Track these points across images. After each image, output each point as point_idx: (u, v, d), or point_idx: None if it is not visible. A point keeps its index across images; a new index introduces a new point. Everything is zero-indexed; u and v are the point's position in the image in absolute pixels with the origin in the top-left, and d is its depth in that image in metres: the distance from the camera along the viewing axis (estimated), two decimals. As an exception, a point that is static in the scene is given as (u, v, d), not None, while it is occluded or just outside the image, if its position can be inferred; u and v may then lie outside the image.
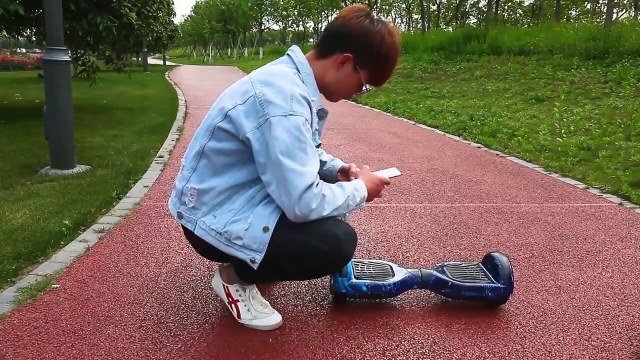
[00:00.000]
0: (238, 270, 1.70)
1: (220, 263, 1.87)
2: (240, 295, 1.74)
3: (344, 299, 1.88)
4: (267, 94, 1.45)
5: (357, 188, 1.61)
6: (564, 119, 6.00)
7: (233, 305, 1.75)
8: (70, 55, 5.07)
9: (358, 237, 2.59)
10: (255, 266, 1.53)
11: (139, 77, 15.31)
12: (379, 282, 1.82)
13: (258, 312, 1.73)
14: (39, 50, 27.90)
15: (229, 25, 38.00)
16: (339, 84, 1.62)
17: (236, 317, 1.74)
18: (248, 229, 1.51)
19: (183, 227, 1.65)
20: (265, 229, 1.50)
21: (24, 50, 32.43)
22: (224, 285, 1.76)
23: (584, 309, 1.92)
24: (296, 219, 1.47)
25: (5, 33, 7.76)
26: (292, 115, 1.43)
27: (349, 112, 8.01)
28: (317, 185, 1.47)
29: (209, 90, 11.51)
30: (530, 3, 30.69)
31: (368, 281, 1.82)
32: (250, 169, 1.52)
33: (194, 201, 1.58)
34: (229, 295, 1.76)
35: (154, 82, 14.07)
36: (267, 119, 1.43)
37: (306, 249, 1.51)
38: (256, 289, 1.78)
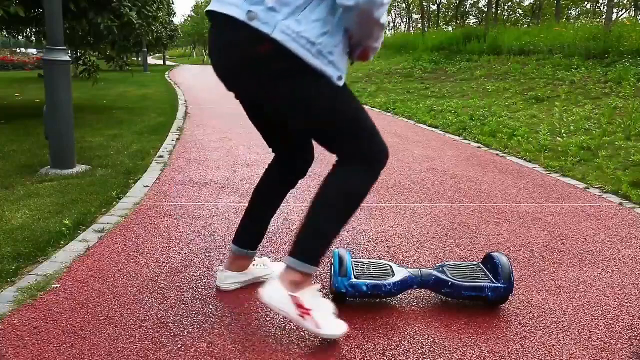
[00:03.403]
0: (307, 240, 1.55)
1: (241, 277, 1.94)
2: (315, 301, 1.56)
3: (344, 299, 1.88)
4: None
5: None
6: (564, 119, 6.00)
7: (307, 316, 1.53)
8: (70, 55, 5.07)
9: (358, 237, 2.60)
10: (340, 83, 1.46)
11: (139, 77, 15.31)
12: (379, 282, 1.82)
13: (332, 319, 1.59)
14: (36, 52, 27.94)
15: (229, 25, 37.92)
16: None
17: (314, 329, 1.54)
18: (338, 46, 1.44)
19: (225, 44, 1.48)
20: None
21: (24, 50, 32.44)
22: (292, 296, 1.52)
23: (584, 309, 1.92)
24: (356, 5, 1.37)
25: (5, 33, 7.76)
26: None
27: (349, 112, 8.01)
28: None
29: (209, 90, 11.51)
30: (530, 3, 30.70)
31: (368, 281, 1.82)
32: None
33: (273, 0, 1.39)
34: (300, 306, 1.53)
35: (154, 82, 14.08)
36: None
37: (357, 128, 1.54)
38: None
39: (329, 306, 1.62)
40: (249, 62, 1.44)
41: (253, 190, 1.93)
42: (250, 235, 1.93)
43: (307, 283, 1.58)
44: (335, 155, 1.62)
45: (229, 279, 1.96)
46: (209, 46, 1.59)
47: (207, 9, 1.55)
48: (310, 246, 1.56)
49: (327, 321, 1.57)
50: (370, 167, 1.60)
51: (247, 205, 1.95)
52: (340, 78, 1.47)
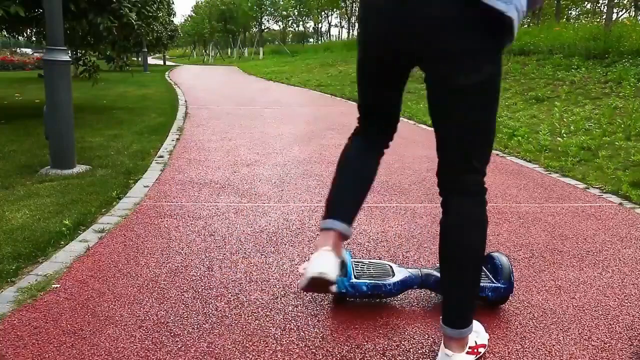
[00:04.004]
0: (465, 304, 1.47)
1: None
2: (474, 336, 1.55)
3: (344, 299, 1.88)
4: None
5: None
6: (564, 119, 6.00)
7: (480, 349, 1.57)
8: (70, 55, 5.08)
9: (358, 237, 2.59)
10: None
11: (139, 77, 15.31)
12: (379, 282, 1.82)
13: (480, 328, 1.63)
14: (30, 52, 27.96)
15: (229, 25, 38.04)
16: None
17: (484, 350, 1.58)
18: None
19: (434, 16, 1.28)
20: None
21: (24, 50, 32.44)
22: (468, 352, 1.50)
23: (584, 309, 1.92)
24: None
25: (5, 33, 7.77)
26: None
27: (349, 112, 8.01)
28: None
29: (209, 90, 11.49)
30: (531, 3, 30.59)
31: (368, 281, 1.82)
32: None
33: None
34: (476, 351, 1.55)
35: (154, 82, 14.07)
36: None
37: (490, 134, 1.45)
38: None
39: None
40: (466, 36, 1.29)
41: (345, 166, 1.62)
42: (356, 207, 1.59)
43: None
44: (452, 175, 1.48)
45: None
46: (382, 6, 1.36)
47: None
48: (469, 309, 1.48)
49: (484, 338, 1.61)
50: (485, 192, 1.47)
51: (335, 180, 1.61)
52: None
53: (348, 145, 1.66)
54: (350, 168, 1.61)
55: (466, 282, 1.45)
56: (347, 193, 1.58)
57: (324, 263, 1.37)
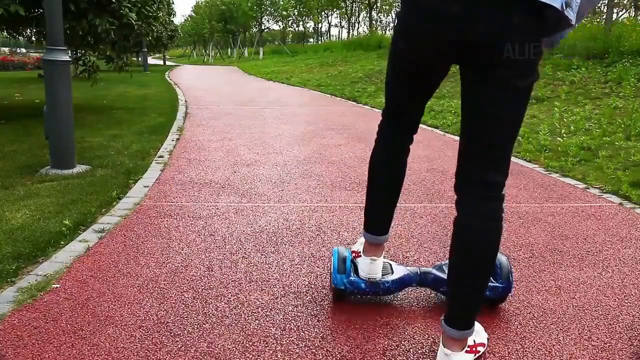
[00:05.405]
0: (472, 307, 1.48)
1: None
2: (474, 335, 1.54)
3: (343, 296, 1.88)
4: None
5: None
6: (564, 119, 6.00)
7: (479, 347, 1.57)
8: (70, 55, 5.08)
9: (358, 237, 2.59)
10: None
11: (139, 77, 15.29)
12: (378, 280, 1.82)
13: (479, 329, 1.61)
14: (25, 51, 27.95)
15: (229, 25, 38.01)
16: None
17: (483, 349, 1.59)
18: None
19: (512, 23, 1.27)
20: None
21: (23, 50, 32.44)
22: (468, 351, 1.50)
23: (584, 309, 1.92)
24: None
25: (5, 33, 7.77)
26: None
27: (349, 112, 8.01)
28: None
29: (209, 90, 11.49)
30: (530, 3, 30.57)
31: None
32: None
33: None
34: (475, 350, 1.55)
35: (154, 82, 14.08)
36: None
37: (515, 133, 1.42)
38: None
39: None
40: (530, 42, 1.30)
41: (375, 176, 1.79)
42: (390, 216, 1.82)
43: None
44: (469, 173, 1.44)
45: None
46: (446, 8, 1.30)
47: None
48: (473, 312, 1.48)
49: (483, 337, 1.61)
50: (503, 198, 1.44)
51: (366, 192, 1.82)
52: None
53: (387, 148, 1.76)
54: (396, 177, 1.79)
55: (473, 285, 1.45)
56: (390, 204, 1.83)
57: (376, 267, 1.81)
